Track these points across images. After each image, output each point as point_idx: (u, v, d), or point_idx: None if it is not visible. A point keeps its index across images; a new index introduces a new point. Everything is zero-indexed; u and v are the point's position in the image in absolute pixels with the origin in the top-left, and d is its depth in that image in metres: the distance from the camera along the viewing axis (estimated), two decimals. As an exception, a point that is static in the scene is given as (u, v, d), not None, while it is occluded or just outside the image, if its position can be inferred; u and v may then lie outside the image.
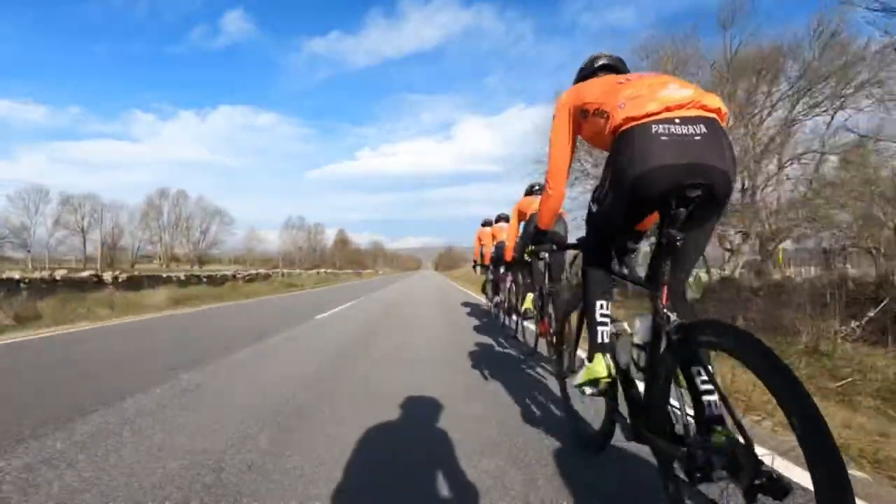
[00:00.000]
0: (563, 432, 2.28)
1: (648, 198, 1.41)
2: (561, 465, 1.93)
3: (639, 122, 1.40)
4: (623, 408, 1.69)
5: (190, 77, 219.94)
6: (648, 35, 16.23)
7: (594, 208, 1.68)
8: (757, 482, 1.08)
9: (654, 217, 2.03)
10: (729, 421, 1.22)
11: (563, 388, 2.41)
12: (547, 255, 3.62)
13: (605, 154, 1.58)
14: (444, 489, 1.74)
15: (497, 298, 6.69)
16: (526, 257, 3.68)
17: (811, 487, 0.94)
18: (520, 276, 4.97)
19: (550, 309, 3.54)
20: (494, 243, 6.62)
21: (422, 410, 2.64)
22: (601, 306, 1.71)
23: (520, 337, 4.85)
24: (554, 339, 3.53)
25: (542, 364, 3.57)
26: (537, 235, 2.08)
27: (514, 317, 5.40)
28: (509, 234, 4.54)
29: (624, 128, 1.43)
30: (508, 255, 4.62)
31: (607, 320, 1.71)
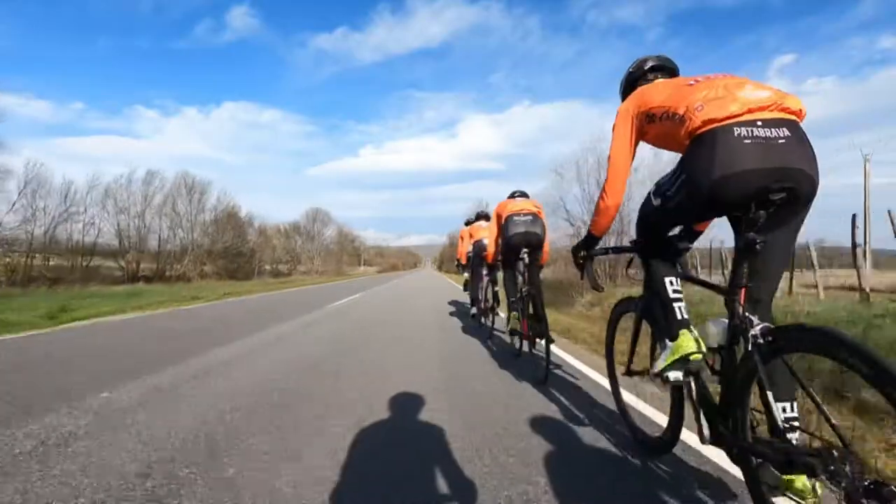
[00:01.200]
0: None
1: (729, 201, 1.40)
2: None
3: (720, 124, 1.39)
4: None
5: (194, 73, 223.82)
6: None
7: (656, 202, 1.67)
8: (860, 485, 1.08)
9: (712, 219, 2.05)
10: (824, 426, 1.21)
11: (616, 393, 2.41)
12: (526, 256, 3.76)
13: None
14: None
15: (475, 293, 6.73)
16: (505, 262, 4.04)
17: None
18: (498, 277, 5.00)
19: (530, 311, 3.62)
20: (472, 241, 6.63)
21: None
22: (671, 282, 1.73)
23: (506, 338, 4.84)
24: (534, 340, 3.61)
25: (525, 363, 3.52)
26: (590, 241, 2.08)
27: (492, 316, 5.55)
28: (490, 237, 4.59)
29: (703, 130, 1.42)
30: (490, 257, 4.66)
31: (681, 296, 1.71)
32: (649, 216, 1.75)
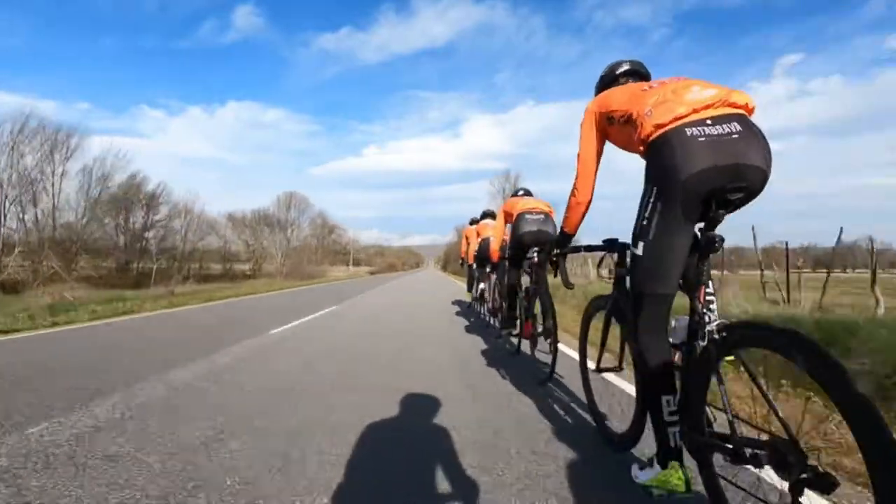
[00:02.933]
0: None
1: (697, 202, 1.41)
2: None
3: (669, 126, 1.42)
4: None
5: (199, 72, 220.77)
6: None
7: (637, 250, 1.54)
8: (804, 476, 1.12)
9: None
10: (771, 419, 1.25)
11: (588, 387, 2.45)
12: (535, 255, 3.76)
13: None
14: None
15: (481, 289, 6.77)
16: (512, 260, 3.97)
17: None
18: (506, 277, 5.00)
19: (536, 310, 3.63)
20: (479, 241, 6.64)
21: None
22: (668, 402, 1.55)
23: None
24: (537, 340, 3.63)
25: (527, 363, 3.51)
26: (563, 239, 2.11)
27: (498, 316, 5.48)
28: (495, 235, 4.60)
29: (655, 135, 1.45)
30: (494, 255, 4.67)
31: (675, 419, 1.55)
32: (641, 271, 1.56)
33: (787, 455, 1.15)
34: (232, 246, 40.98)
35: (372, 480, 1.78)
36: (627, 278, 1.70)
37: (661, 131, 1.44)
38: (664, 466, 1.52)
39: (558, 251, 2.16)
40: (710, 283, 1.50)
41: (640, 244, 1.52)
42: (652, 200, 1.49)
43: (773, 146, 1.41)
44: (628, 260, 1.66)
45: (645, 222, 1.50)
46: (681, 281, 1.55)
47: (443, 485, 1.75)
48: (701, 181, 1.37)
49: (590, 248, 2.20)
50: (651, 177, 1.51)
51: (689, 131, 1.39)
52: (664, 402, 1.53)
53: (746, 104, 1.45)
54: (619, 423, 2.21)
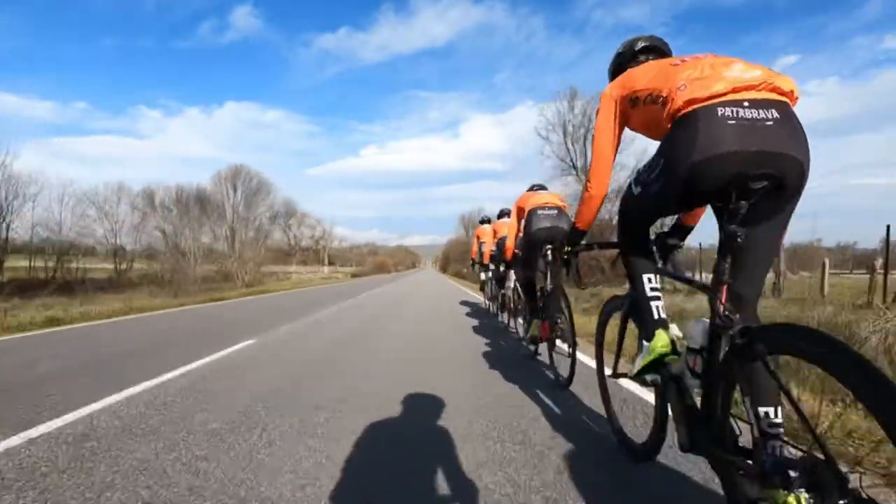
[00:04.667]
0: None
1: (706, 188, 1.29)
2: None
3: (703, 104, 1.28)
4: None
5: (197, 73, 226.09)
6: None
7: (636, 190, 1.56)
8: (842, 502, 0.98)
9: (702, 211, 1.93)
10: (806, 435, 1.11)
11: (605, 393, 2.31)
12: (549, 254, 3.57)
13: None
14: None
15: (500, 292, 6.55)
16: (526, 258, 3.79)
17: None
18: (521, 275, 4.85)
19: (551, 310, 3.47)
20: (496, 240, 6.44)
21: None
22: (649, 280, 1.62)
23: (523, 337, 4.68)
24: (555, 343, 3.49)
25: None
26: (575, 235, 1.99)
27: (519, 319, 5.33)
28: (510, 232, 4.47)
29: (685, 111, 1.31)
30: (508, 253, 4.54)
31: (658, 294, 1.61)
32: (629, 206, 1.65)
33: (822, 476, 1.01)
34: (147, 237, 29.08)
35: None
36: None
37: (692, 107, 1.31)
38: (650, 339, 1.56)
39: (569, 249, 2.03)
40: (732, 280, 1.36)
41: (638, 188, 1.55)
42: (659, 170, 1.43)
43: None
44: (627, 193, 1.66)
45: (649, 179, 1.48)
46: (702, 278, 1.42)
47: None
48: (717, 166, 1.24)
49: (603, 246, 2.07)
50: (664, 149, 1.40)
51: (721, 111, 1.26)
52: (645, 280, 1.61)
53: (792, 91, 1.31)
54: (640, 433, 2.07)
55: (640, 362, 1.59)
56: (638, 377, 1.63)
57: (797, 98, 1.32)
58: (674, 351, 1.51)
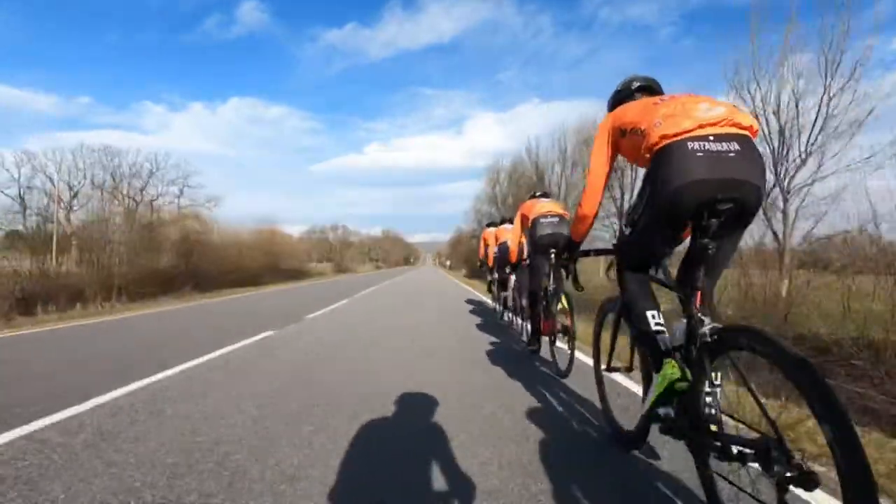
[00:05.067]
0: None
1: (684, 211, 1.51)
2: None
3: (674, 139, 1.50)
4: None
5: (202, 68, 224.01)
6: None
7: (627, 231, 1.76)
8: (788, 475, 1.18)
9: (689, 230, 2.14)
10: (760, 419, 1.31)
11: (601, 386, 2.51)
12: (553, 257, 3.86)
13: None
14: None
15: (503, 294, 6.91)
16: (531, 263, 4.07)
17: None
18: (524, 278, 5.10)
19: (554, 309, 3.74)
20: (497, 244, 6.73)
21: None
22: (653, 316, 1.74)
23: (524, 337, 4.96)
24: (556, 339, 3.73)
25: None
26: (572, 246, 2.22)
27: (520, 318, 5.62)
28: (514, 238, 4.71)
29: (661, 145, 1.54)
30: (513, 257, 4.79)
31: (663, 328, 1.72)
32: (624, 248, 1.86)
33: (772, 453, 1.21)
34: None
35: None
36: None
37: (666, 142, 1.53)
38: (658, 369, 1.63)
39: (567, 255, 2.24)
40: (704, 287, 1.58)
41: (629, 229, 1.75)
42: (645, 200, 1.63)
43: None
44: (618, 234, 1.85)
45: (637, 215, 1.69)
46: (676, 285, 1.66)
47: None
48: (692, 192, 1.46)
49: (599, 252, 2.27)
50: (649, 181, 1.61)
51: (690, 145, 1.48)
52: (649, 316, 1.73)
53: (751, 126, 1.54)
54: (630, 423, 2.28)
55: (651, 396, 1.64)
56: (651, 412, 1.64)
57: (756, 130, 1.55)
58: (683, 377, 1.55)
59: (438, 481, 1.85)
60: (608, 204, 15.67)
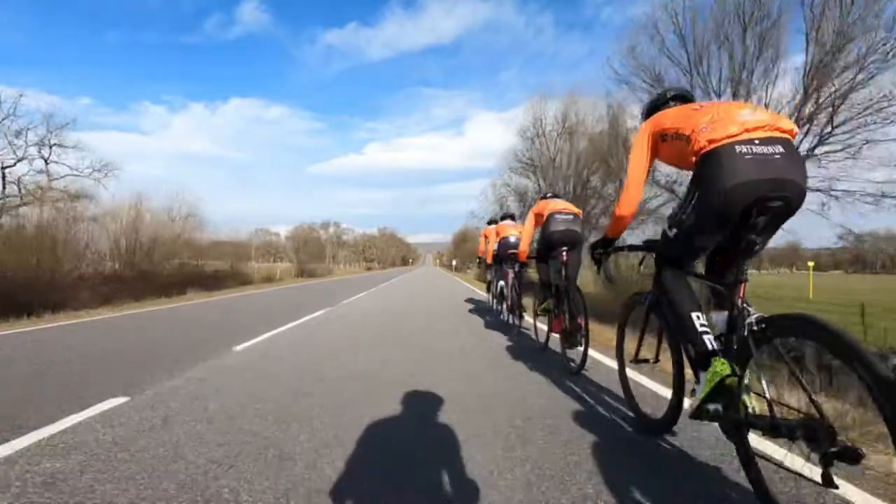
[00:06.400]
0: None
1: (736, 209, 1.60)
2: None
3: (720, 143, 1.61)
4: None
5: (202, 69, 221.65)
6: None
7: (671, 233, 1.85)
8: (833, 449, 1.29)
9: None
10: (804, 400, 1.42)
11: (623, 378, 2.63)
12: (565, 254, 3.94)
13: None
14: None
15: (500, 286, 7.02)
16: (542, 257, 4.26)
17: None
18: (525, 274, 5.27)
19: (565, 306, 3.83)
20: (498, 240, 6.81)
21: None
22: (697, 317, 1.79)
23: (532, 335, 5.07)
24: (568, 336, 3.82)
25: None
26: (607, 242, 2.35)
27: (517, 312, 5.79)
28: (524, 237, 4.83)
29: (708, 149, 1.65)
30: (522, 256, 4.91)
31: (707, 328, 1.75)
32: (667, 249, 1.94)
33: (817, 430, 1.32)
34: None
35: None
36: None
37: (713, 146, 1.64)
38: (706, 367, 1.64)
39: (601, 251, 2.36)
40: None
41: (674, 230, 1.83)
42: (693, 202, 1.72)
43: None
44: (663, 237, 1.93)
45: (683, 216, 1.77)
46: (721, 278, 1.77)
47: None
48: (744, 191, 1.56)
49: (632, 248, 2.38)
50: (697, 183, 1.72)
51: (738, 148, 1.59)
52: (694, 318, 1.77)
53: (791, 129, 1.66)
54: (654, 410, 2.39)
55: (700, 394, 1.65)
56: (700, 409, 1.65)
57: (796, 134, 1.68)
58: (733, 373, 1.57)
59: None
60: (599, 203, 15.94)
